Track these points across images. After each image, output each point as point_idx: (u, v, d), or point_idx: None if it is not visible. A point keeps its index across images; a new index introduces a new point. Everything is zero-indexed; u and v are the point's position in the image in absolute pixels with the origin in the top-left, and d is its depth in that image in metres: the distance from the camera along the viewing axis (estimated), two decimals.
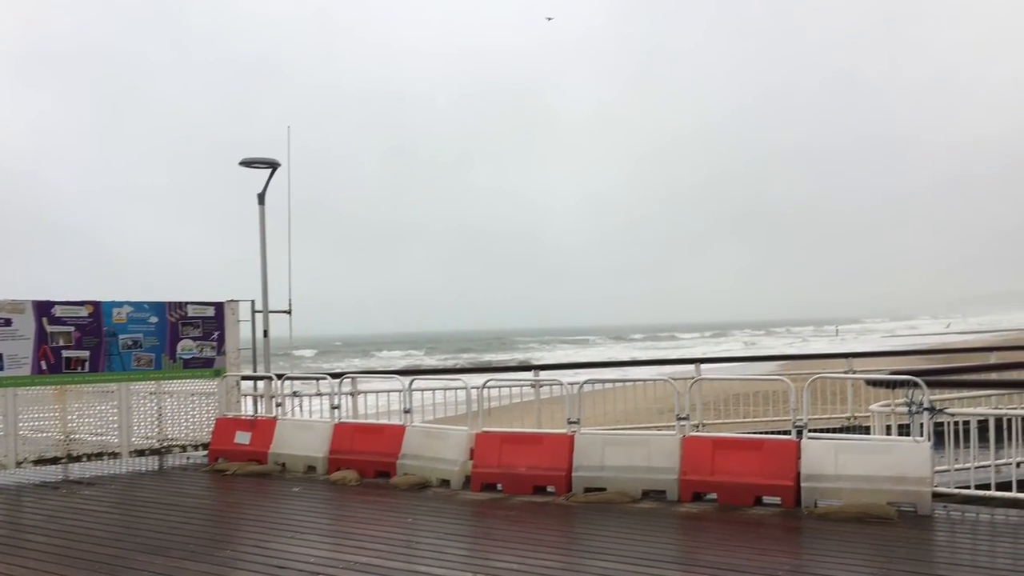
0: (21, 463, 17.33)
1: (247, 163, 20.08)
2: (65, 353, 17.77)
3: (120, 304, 18.31)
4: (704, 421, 20.28)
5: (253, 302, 20.03)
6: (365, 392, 19.90)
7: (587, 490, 13.67)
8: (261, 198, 20.43)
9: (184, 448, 19.07)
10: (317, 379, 19.67)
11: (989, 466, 12.72)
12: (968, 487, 12.60)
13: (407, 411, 16.28)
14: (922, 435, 12.28)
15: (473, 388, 15.88)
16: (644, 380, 21.12)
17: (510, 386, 20.75)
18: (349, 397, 19.41)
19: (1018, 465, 12.66)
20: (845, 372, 21.32)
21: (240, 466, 17.14)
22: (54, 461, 17.74)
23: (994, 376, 18.20)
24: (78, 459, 18.00)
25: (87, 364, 17.94)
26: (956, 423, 13.37)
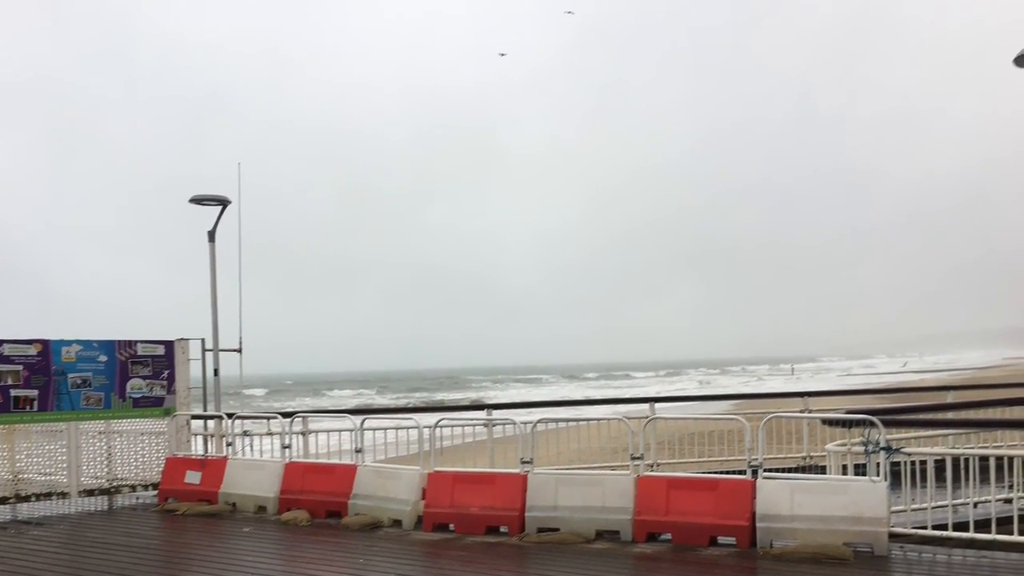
0: None
1: (197, 200, 19.96)
2: (13, 392, 17.56)
3: (69, 343, 18.10)
4: (658, 461, 20.24)
5: (203, 340, 19.87)
6: (316, 431, 19.77)
7: (540, 530, 13.58)
8: (211, 236, 20.30)
9: (134, 488, 18.84)
10: (268, 418, 19.52)
11: (946, 506, 12.74)
12: (925, 527, 12.61)
13: (358, 450, 16.17)
14: (878, 475, 12.29)
15: (425, 427, 15.78)
16: (598, 419, 21.10)
17: (462, 425, 20.62)
18: (300, 436, 19.28)
19: (975, 505, 12.70)
20: (801, 411, 21.34)
21: (190, 506, 16.94)
22: (2, 501, 17.51)
23: (951, 416, 18.27)
24: (26, 499, 17.76)
25: (35, 403, 17.71)
26: (913, 463, 13.39)
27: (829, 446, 15.23)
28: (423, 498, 14.74)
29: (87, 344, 18.31)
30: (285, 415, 18.63)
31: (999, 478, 13.03)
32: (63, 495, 18.12)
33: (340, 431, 19.45)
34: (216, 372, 20.10)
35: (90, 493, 18.45)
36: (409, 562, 12.51)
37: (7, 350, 17.52)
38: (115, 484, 18.67)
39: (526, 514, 13.79)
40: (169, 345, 19.30)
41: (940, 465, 13.23)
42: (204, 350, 19.88)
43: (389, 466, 16.38)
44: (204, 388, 20.09)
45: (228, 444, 18.12)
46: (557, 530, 13.51)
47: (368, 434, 17.35)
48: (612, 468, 18.05)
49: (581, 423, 21.05)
